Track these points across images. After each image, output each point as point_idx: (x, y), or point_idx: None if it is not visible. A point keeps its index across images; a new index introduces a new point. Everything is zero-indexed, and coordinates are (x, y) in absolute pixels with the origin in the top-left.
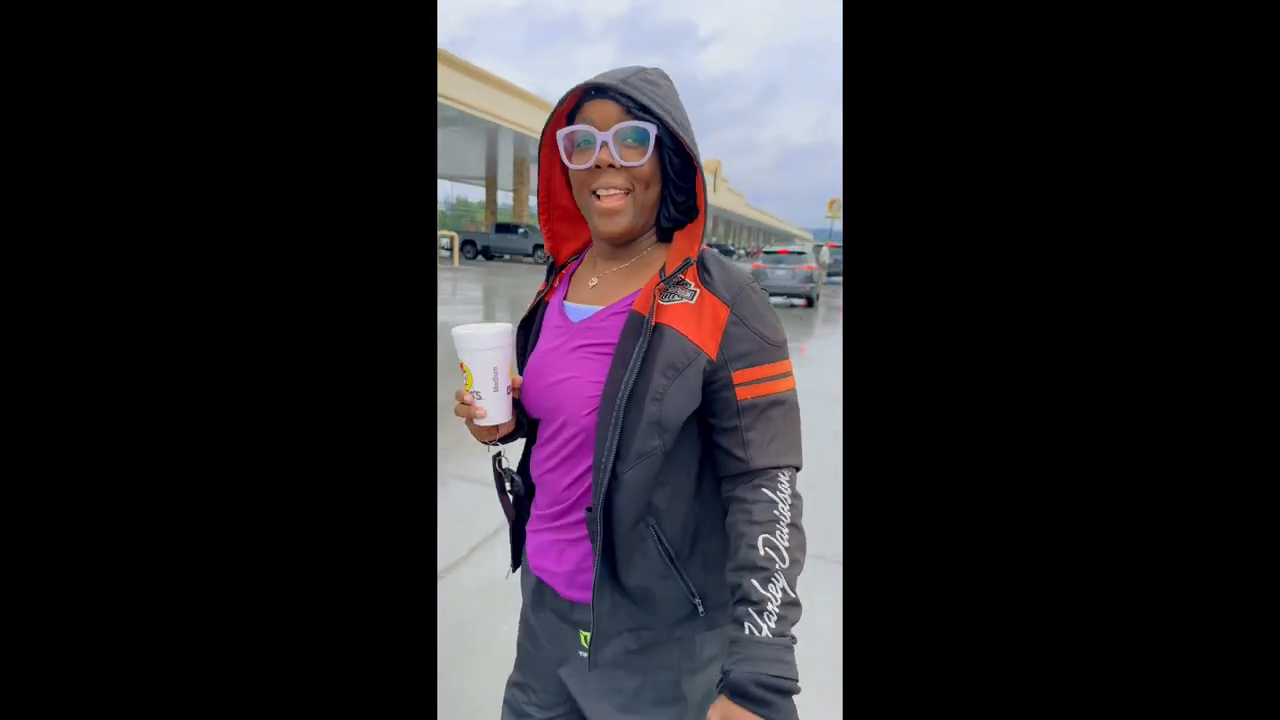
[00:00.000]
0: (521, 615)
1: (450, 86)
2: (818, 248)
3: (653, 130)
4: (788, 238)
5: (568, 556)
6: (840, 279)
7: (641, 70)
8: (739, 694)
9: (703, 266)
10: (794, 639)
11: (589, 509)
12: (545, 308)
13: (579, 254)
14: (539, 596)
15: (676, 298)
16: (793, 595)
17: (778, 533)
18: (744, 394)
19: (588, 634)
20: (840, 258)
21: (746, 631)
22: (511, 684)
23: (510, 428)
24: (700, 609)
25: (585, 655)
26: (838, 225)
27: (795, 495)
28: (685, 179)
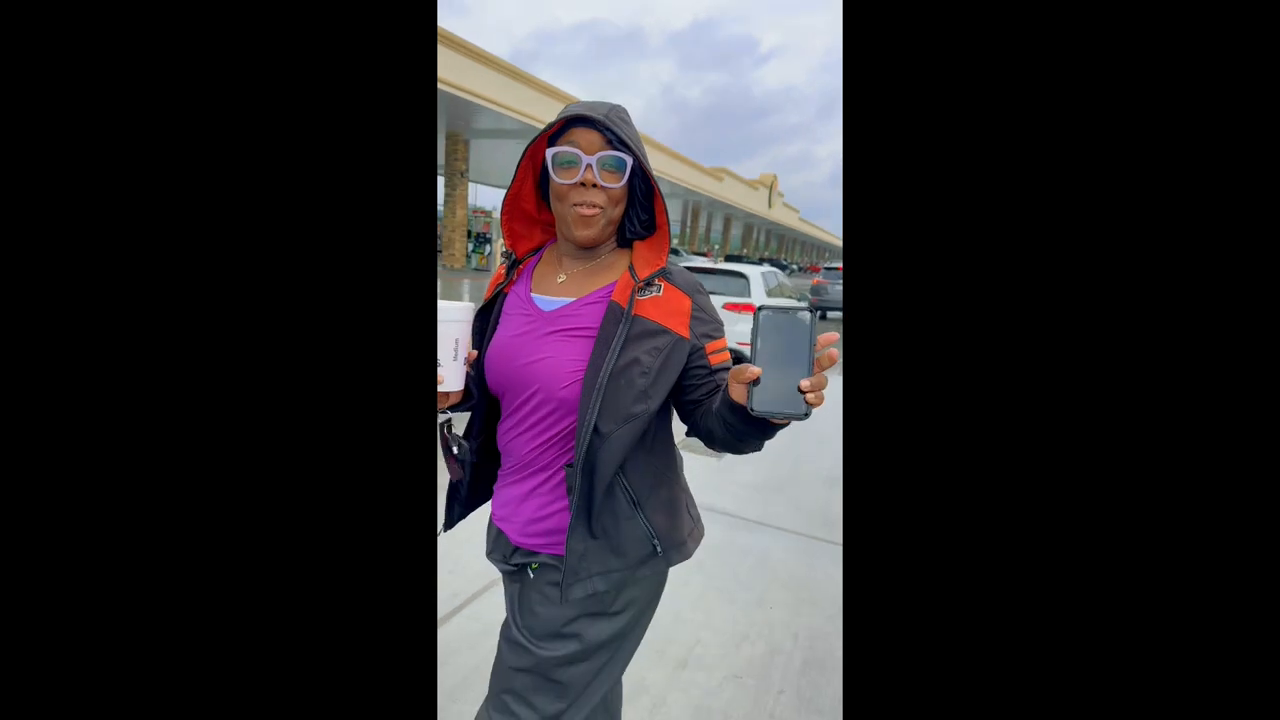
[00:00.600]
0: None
1: (518, 100)
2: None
3: (630, 161)
4: (840, 253)
5: (524, 509)
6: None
7: (616, 108)
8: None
9: (665, 270)
10: None
11: (569, 465)
12: (504, 298)
13: (533, 252)
14: (496, 544)
15: (648, 293)
16: None
17: None
18: (715, 360)
19: (535, 564)
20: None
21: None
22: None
23: (459, 397)
24: (658, 548)
25: (531, 572)
26: None
27: None
28: (647, 201)
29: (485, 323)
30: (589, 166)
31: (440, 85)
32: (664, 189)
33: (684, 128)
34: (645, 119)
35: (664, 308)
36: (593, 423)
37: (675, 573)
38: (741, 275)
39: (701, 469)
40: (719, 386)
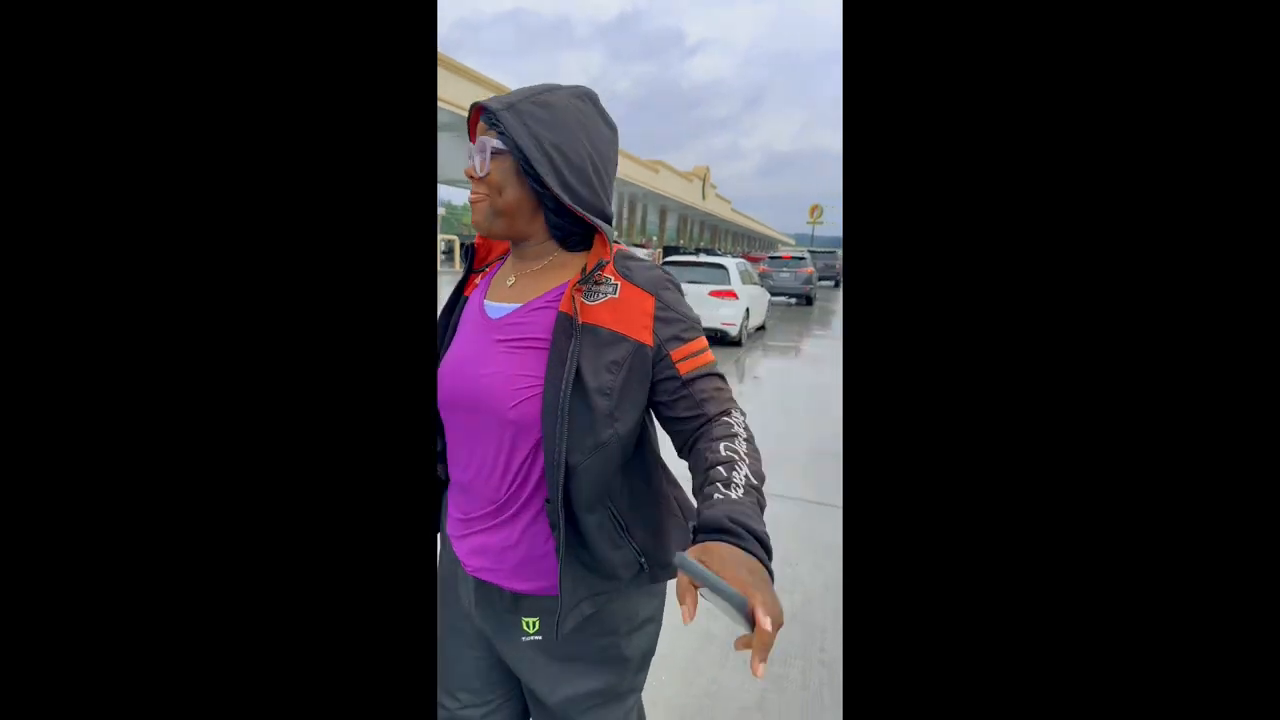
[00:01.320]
0: (440, 623)
1: (448, 91)
2: (813, 253)
3: (490, 144)
4: (771, 243)
5: (514, 552)
6: (829, 282)
7: (541, 92)
8: (713, 530)
9: (622, 264)
10: (759, 509)
11: (548, 501)
12: (465, 303)
13: (504, 256)
14: (482, 600)
15: (601, 295)
16: (755, 482)
17: (736, 440)
18: (685, 368)
19: (532, 620)
20: (830, 262)
21: (718, 496)
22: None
23: None
24: (645, 566)
25: (531, 639)
26: (819, 231)
27: (746, 426)
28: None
29: (445, 328)
30: (472, 155)
31: None
32: None
33: (616, 120)
34: None
35: (621, 311)
36: (563, 457)
37: None
38: (722, 266)
39: None
40: (697, 403)
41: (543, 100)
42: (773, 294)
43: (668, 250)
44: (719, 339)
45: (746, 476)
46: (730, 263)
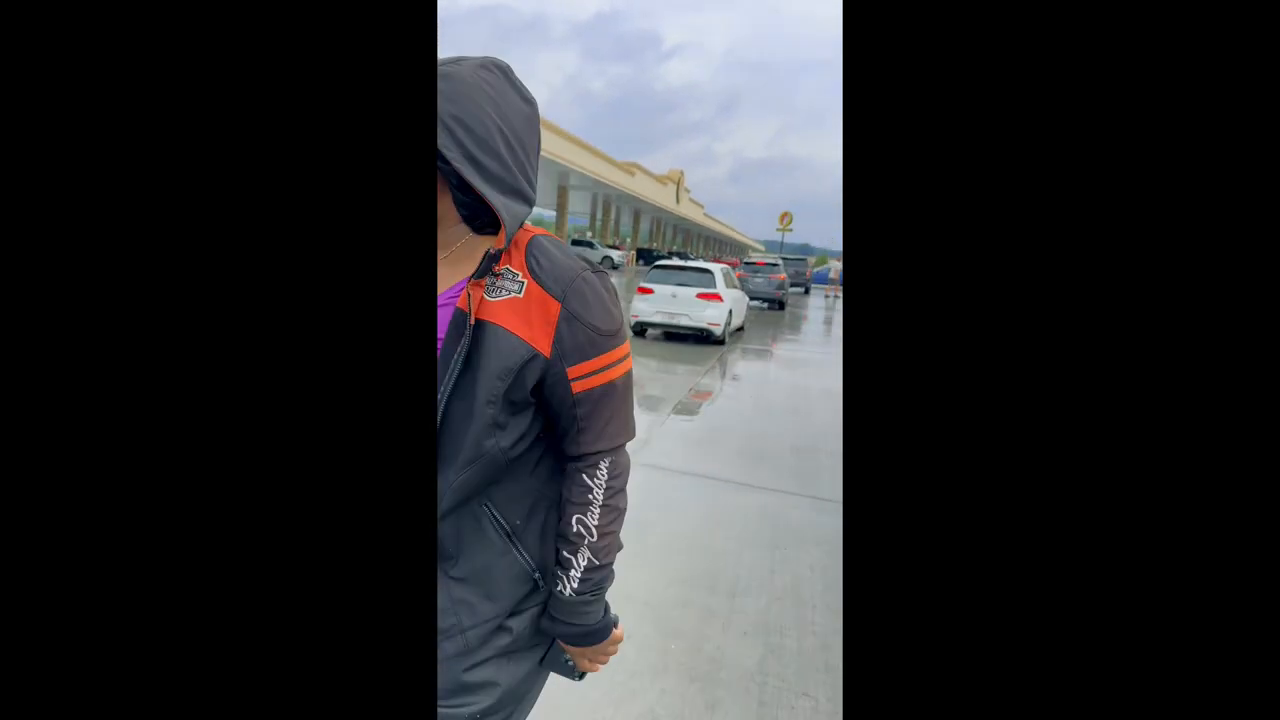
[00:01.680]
0: None
1: None
2: (784, 259)
3: None
4: (741, 248)
5: None
6: (799, 288)
7: (444, 64)
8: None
9: (533, 256)
10: (595, 594)
11: None
12: None
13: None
14: None
15: (504, 291)
16: (597, 562)
17: (589, 513)
18: (579, 387)
19: None
20: (800, 269)
21: (558, 588)
22: None
23: None
24: (540, 582)
25: None
26: (788, 237)
27: (614, 475)
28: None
29: None
30: None
31: None
32: (573, 181)
33: (590, 120)
34: (550, 107)
35: (522, 312)
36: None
37: (704, 524)
38: (708, 271)
39: (686, 441)
40: (578, 429)
41: (443, 72)
42: (751, 297)
43: (641, 253)
44: (705, 338)
45: (588, 560)
46: (715, 268)
